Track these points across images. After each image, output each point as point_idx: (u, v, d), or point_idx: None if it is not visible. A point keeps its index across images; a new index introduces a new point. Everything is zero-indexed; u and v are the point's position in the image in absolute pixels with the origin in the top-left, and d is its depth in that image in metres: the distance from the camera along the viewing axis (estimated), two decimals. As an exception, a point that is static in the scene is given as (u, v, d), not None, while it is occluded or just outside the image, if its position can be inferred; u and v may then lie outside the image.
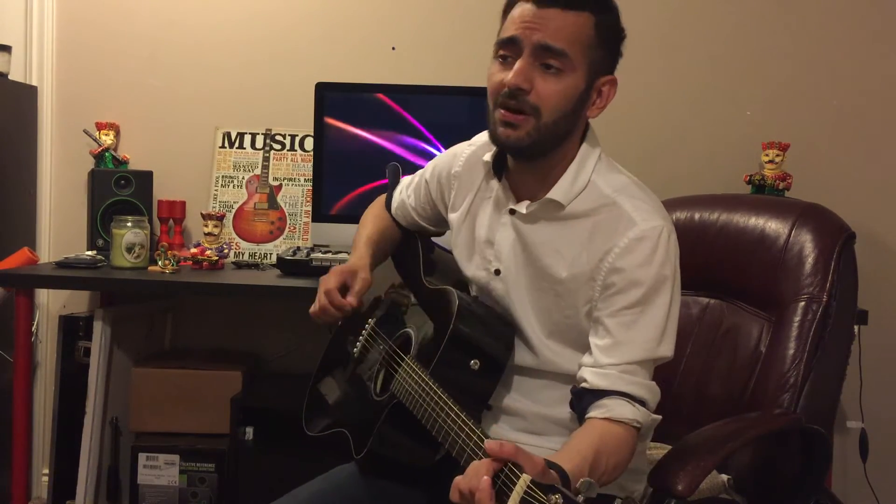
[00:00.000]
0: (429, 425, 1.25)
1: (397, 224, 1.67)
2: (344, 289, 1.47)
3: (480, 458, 1.07)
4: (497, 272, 1.40)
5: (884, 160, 2.65)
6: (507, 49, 1.28)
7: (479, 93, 2.41)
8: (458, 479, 1.04)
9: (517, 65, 1.26)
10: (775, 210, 1.69)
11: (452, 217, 1.52)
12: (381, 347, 1.51)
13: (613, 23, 1.30)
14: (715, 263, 1.71)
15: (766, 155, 2.53)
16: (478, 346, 1.35)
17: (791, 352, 1.52)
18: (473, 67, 2.65)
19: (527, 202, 1.36)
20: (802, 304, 1.55)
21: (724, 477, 1.51)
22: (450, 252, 1.61)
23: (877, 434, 2.56)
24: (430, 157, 2.48)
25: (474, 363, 1.33)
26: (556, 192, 1.32)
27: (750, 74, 2.66)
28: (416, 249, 1.62)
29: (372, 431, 1.38)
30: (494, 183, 1.42)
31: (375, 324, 1.56)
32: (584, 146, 1.35)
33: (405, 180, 1.68)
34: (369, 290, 1.51)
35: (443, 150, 2.46)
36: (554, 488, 0.94)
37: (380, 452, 1.39)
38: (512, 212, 1.38)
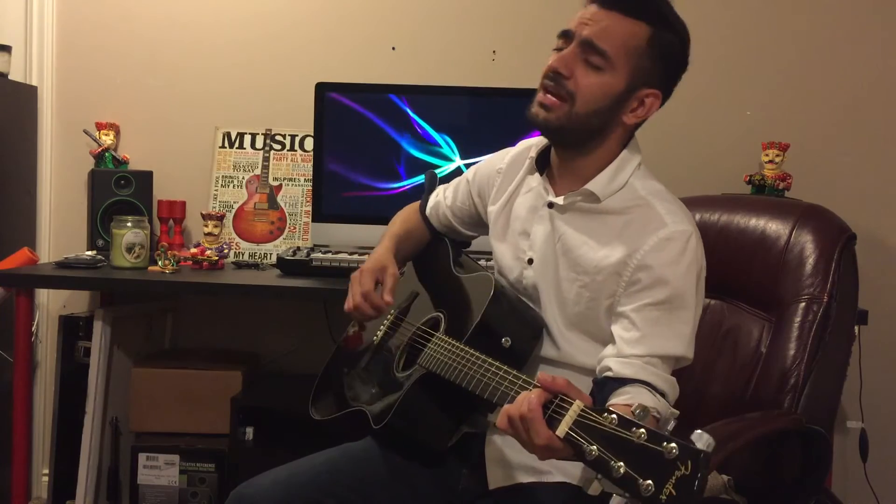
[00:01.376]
0: (464, 382, 1.29)
1: (428, 227, 1.73)
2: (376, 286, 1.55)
3: None
4: (530, 261, 1.45)
5: (884, 160, 2.65)
6: (563, 40, 1.35)
7: (479, 93, 2.47)
8: (507, 406, 1.10)
9: (563, 52, 1.33)
10: (776, 211, 1.69)
11: (492, 209, 1.57)
12: (407, 331, 1.54)
13: (671, 42, 1.37)
14: (715, 264, 1.69)
15: (766, 155, 2.53)
16: (510, 326, 1.39)
17: (792, 352, 1.52)
18: (474, 67, 2.68)
19: (564, 195, 1.41)
20: (803, 304, 1.55)
21: (725, 477, 1.51)
22: (472, 257, 1.65)
23: (877, 434, 2.56)
24: (429, 157, 2.48)
25: (505, 341, 1.37)
26: (594, 185, 1.38)
27: (750, 74, 2.66)
28: (445, 247, 1.68)
29: (394, 404, 1.40)
30: (535, 178, 1.48)
31: (400, 312, 1.60)
32: (627, 150, 1.41)
33: (442, 186, 1.74)
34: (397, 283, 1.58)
35: (443, 150, 2.47)
36: (609, 409, 0.99)
37: (398, 427, 1.41)
38: (550, 205, 1.43)
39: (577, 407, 1.02)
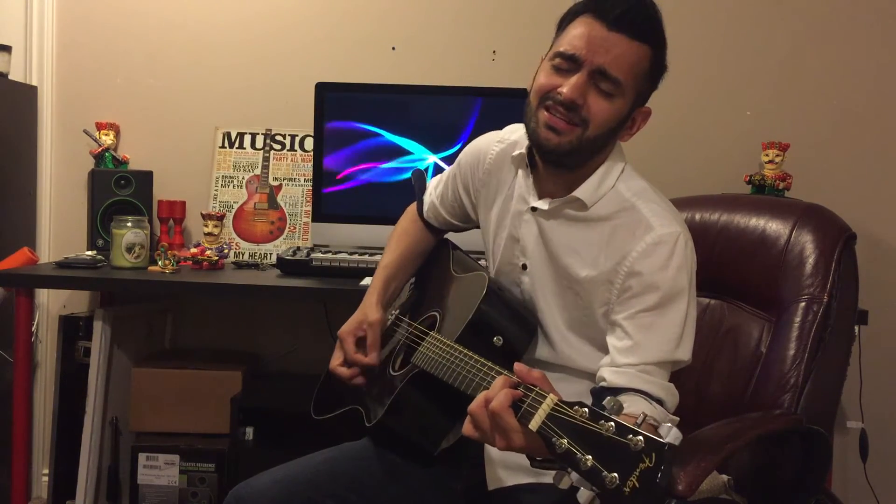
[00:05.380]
0: (451, 378, 1.28)
1: (430, 228, 1.70)
2: (362, 340, 1.52)
3: None
4: (524, 267, 1.44)
5: (884, 160, 2.65)
6: (566, 62, 1.30)
7: (479, 93, 2.47)
8: (483, 392, 1.11)
9: (574, 79, 1.29)
10: (776, 211, 1.69)
11: (483, 213, 1.55)
12: (404, 331, 1.54)
13: (663, 58, 1.34)
14: (716, 264, 1.70)
15: (766, 155, 2.53)
16: (502, 324, 1.38)
17: (792, 352, 1.52)
18: (473, 67, 2.68)
19: (549, 199, 1.39)
20: (803, 304, 1.55)
21: (725, 477, 1.51)
22: (472, 256, 1.64)
23: (877, 434, 2.56)
24: (429, 157, 2.48)
25: (497, 339, 1.36)
26: (581, 192, 1.36)
27: (750, 74, 2.66)
28: (445, 247, 1.67)
29: (387, 403, 1.40)
30: (520, 180, 1.46)
31: (400, 312, 1.60)
32: (613, 155, 1.39)
33: (433, 181, 1.71)
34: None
35: (443, 150, 2.47)
36: (581, 403, 0.99)
37: (391, 425, 1.41)
38: (533, 209, 1.41)
39: (550, 401, 1.02)
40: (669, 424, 0.92)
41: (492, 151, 1.54)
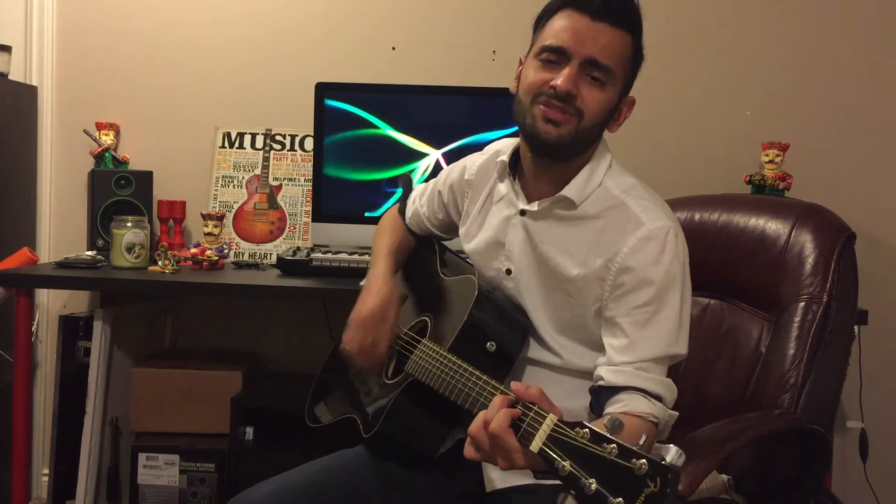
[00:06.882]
0: (447, 391, 1.28)
1: (411, 233, 1.71)
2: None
3: None
4: (508, 272, 1.44)
5: (884, 160, 2.65)
6: (554, 55, 1.32)
7: (479, 93, 2.48)
8: (481, 412, 1.10)
9: (567, 71, 1.30)
10: (776, 210, 1.69)
11: (464, 221, 1.56)
12: (395, 336, 1.53)
13: (641, 46, 1.37)
14: (715, 263, 1.71)
15: (766, 155, 2.53)
16: (495, 328, 1.38)
17: (791, 352, 1.52)
18: (474, 67, 2.68)
19: (537, 202, 1.39)
20: (803, 304, 1.55)
21: (725, 477, 1.51)
22: (460, 256, 1.63)
23: (877, 434, 2.56)
24: (429, 157, 2.48)
25: (490, 345, 1.36)
26: (570, 191, 1.36)
27: (750, 74, 2.66)
28: (432, 249, 1.66)
29: (382, 412, 1.40)
30: (505, 186, 1.46)
31: None
32: (598, 151, 1.40)
33: (418, 189, 1.72)
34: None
35: (442, 151, 2.47)
36: (581, 423, 0.97)
37: (388, 434, 1.41)
38: (522, 212, 1.41)
39: (550, 421, 1.01)
40: (670, 445, 0.91)
41: (476, 163, 1.56)
